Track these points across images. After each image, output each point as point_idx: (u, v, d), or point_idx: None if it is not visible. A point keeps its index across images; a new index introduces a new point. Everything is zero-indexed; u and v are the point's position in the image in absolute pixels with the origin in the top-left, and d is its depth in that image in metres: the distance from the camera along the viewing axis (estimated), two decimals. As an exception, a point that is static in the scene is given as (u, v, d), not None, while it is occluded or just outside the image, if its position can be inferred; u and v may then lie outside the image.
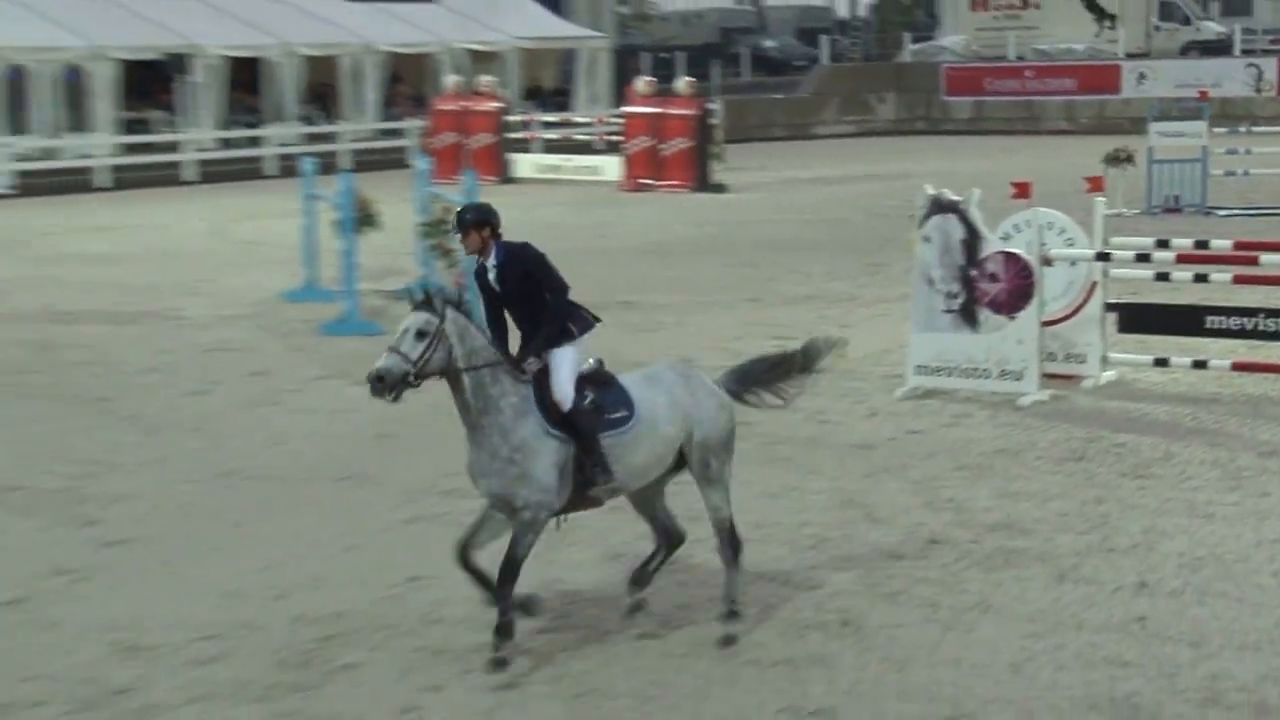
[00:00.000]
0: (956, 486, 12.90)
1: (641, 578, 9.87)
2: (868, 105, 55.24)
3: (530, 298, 9.08)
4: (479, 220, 9.16)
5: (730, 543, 9.60)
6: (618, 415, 9.09)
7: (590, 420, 8.98)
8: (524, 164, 39.14)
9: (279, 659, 9.51)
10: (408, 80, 46.62)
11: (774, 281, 23.42)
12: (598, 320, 9.34)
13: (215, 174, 38.85)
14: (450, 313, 8.93)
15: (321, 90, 44.64)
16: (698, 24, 75.31)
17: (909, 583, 10.65)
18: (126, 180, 37.09)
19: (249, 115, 42.89)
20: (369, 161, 38.97)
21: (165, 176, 37.95)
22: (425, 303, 8.97)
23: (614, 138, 39.01)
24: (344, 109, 44.59)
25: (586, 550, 11.15)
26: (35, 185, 35.52)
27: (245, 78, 43.01)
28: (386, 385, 8.81)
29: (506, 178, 37.85)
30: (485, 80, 40.78)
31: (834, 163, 42.56)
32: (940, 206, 15.98)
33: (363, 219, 20.51)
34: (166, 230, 29.82)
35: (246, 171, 39.64)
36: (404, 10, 48.26)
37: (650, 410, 9.20)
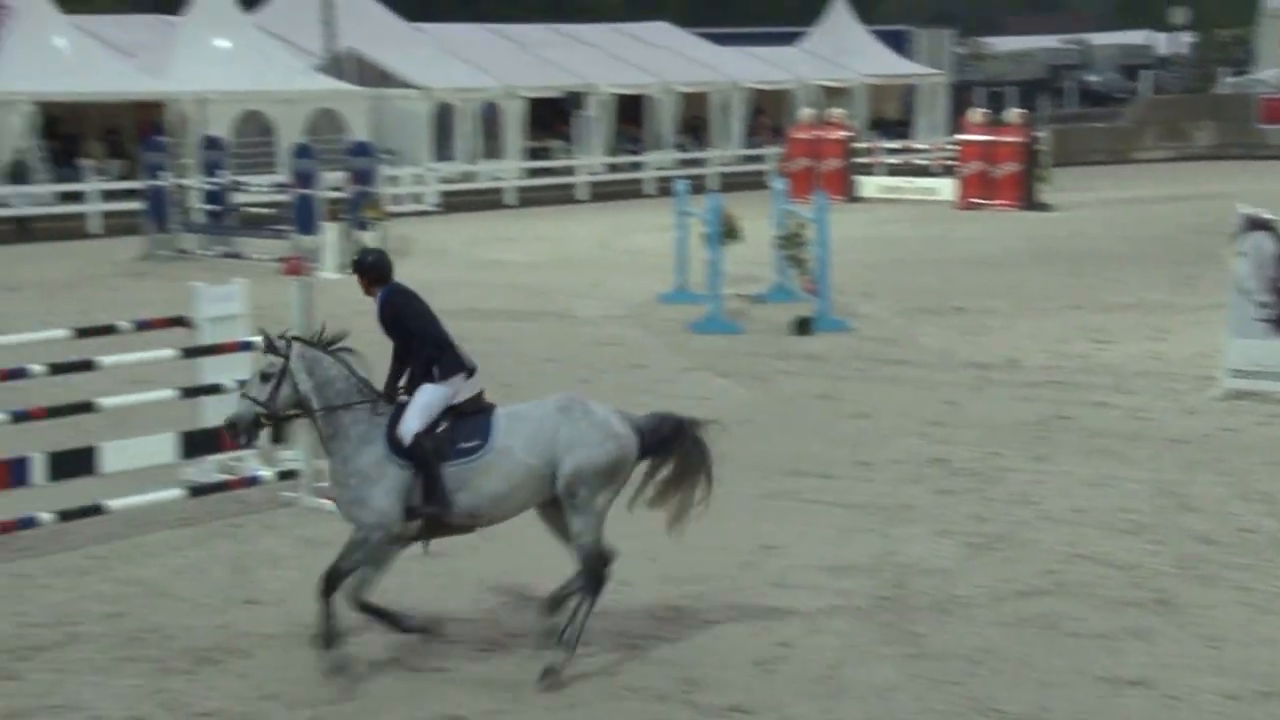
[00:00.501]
0: (1269, 480, 12.17)
1: (554, 603, 8.91)
2: (1185, 133, 52.95)
3: (403, 338, 8.68)
4: (361, 270, 8.76)
5: (589, 572, 8.60)
6: (470, 445, 8.44)
7: (428, 452, 8.35)
8: (869, 185, 38.76)
9: (651, 613, 9.51)
10: (768, 112, 46.70)
11: (1095, 290, 22.58)
12: (471, 369, 8.70)
13: (603, 194, 39.50)
14: (297, 350, 8.53)
15: (694, 122, 45.05)
16: (1027, 61, 73.40)
17: (1222, 567, 10.07)
18: (529, 199, 38.00)
19: (632, 144, 43.53)
20: (733, 183, 39.15)
21: (562, 196, 38.75)
22: (270, 346, 8.57)
23: (950, 162, 38.34)
24: (713, 138, 44.91)
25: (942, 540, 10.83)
26: (456, 203, 36.66)
27: (630, 111, 43.73)
28: (239, 430, 8.55)
29: (853, 197, 37.53)
30: (836, 112, 40.51)
31: (1152, 185, 40.91)
32: (1255, 224, 15.17)
33: (727, 232, 20.54)
34: (561, 242, 30.41)
35: (629, 192, 40.19)
36: (766, 53, 48.52)
37: (507, 441, 8.45)
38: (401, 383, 8.64)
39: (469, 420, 8.52)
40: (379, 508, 8.36)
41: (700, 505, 8.78)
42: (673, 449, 8.71)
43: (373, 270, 8.75)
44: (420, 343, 8.61)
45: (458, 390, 8.60)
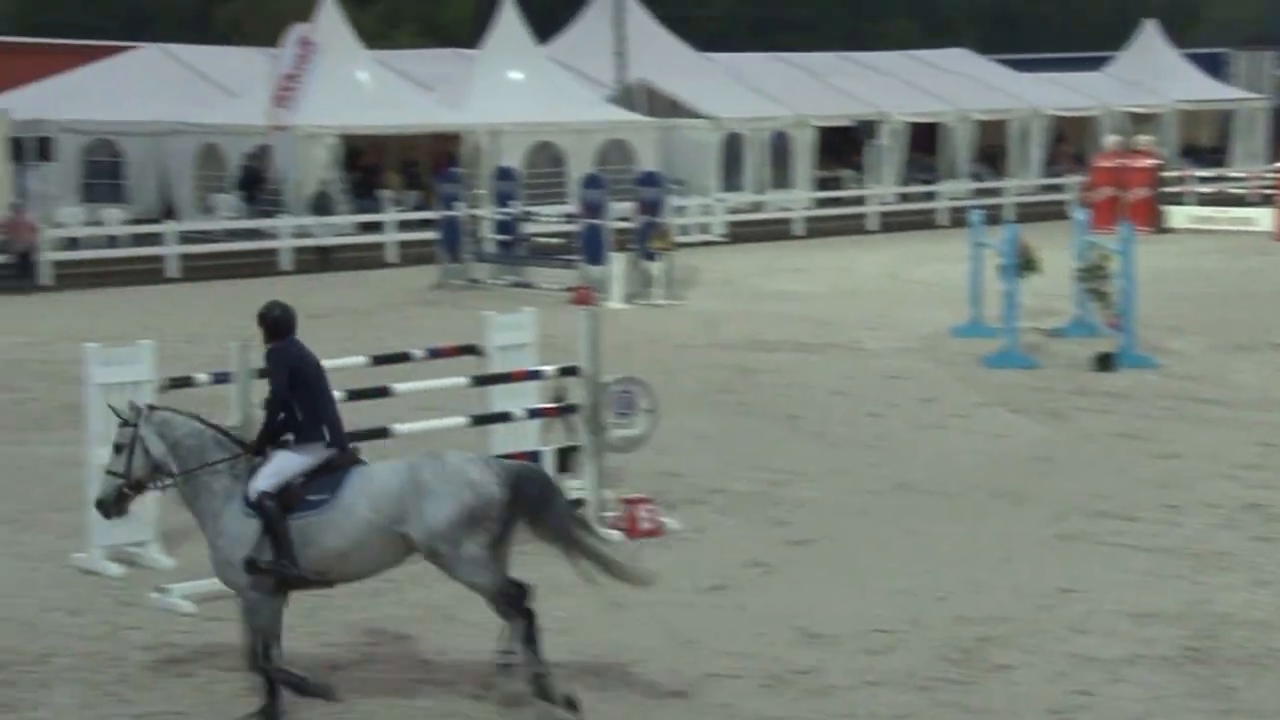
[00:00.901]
0: None
1: (504, 669, 8.77)
2: None
3: (276, 394, 8.70)
4: (260, 321, 8.98)
5: (504, 611, 8.49)
6: (318, 498, 8.43)
7: (270, 511, 8.35)
8: (1178, 215, 37.52)
9: (941, 654, 9.37)
10: (1070, 140, 45.63)
11: None
12: (335, 443, 8.67)
13: (894, 224, 39.16)
14: (146, 416, 8.58)
15: (991, 150, 44.34)
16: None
17: None
18: (817, 230, 37.94)
19: (925, 173, 43.08)
20: (1031, 213, 38.32)
21: (852, 226, 38.56)
22: (124, 421, 8.63)
23: (1269, 191, 36.86)
24: (1010, 166, 44.10)
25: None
26: (743, 234, 36.82)
27: (923, 140, 43.30)
28: (106, 508, 8.59)
29: (1161, 228, 36.37)
30: (1144, 139, 39.36)
31: None
32: None
33: (1024, 264, 20.14)
34: (850, 273, 30.25)
35: (921, 222, 39.75)
36: (1068, 78, 47.45)
37: (352, 498, 8.40)
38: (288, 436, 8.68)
39: (328, 476, 8.57)
40: (264, 559, 8.43)
41: (608, 557, 8.65)
42: (535, 506, 8.58)
43: (267, 323, 9.03)
44: (270, 406, 8.71)
45: (318, 458, 8.63)
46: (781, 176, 40.89)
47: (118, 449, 8.64)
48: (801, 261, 32.09)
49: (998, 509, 12.75)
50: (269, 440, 8.67)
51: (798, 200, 39.19)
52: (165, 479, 8.63)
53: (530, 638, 8.47)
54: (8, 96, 37.31)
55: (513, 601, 8.49)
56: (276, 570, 8.43)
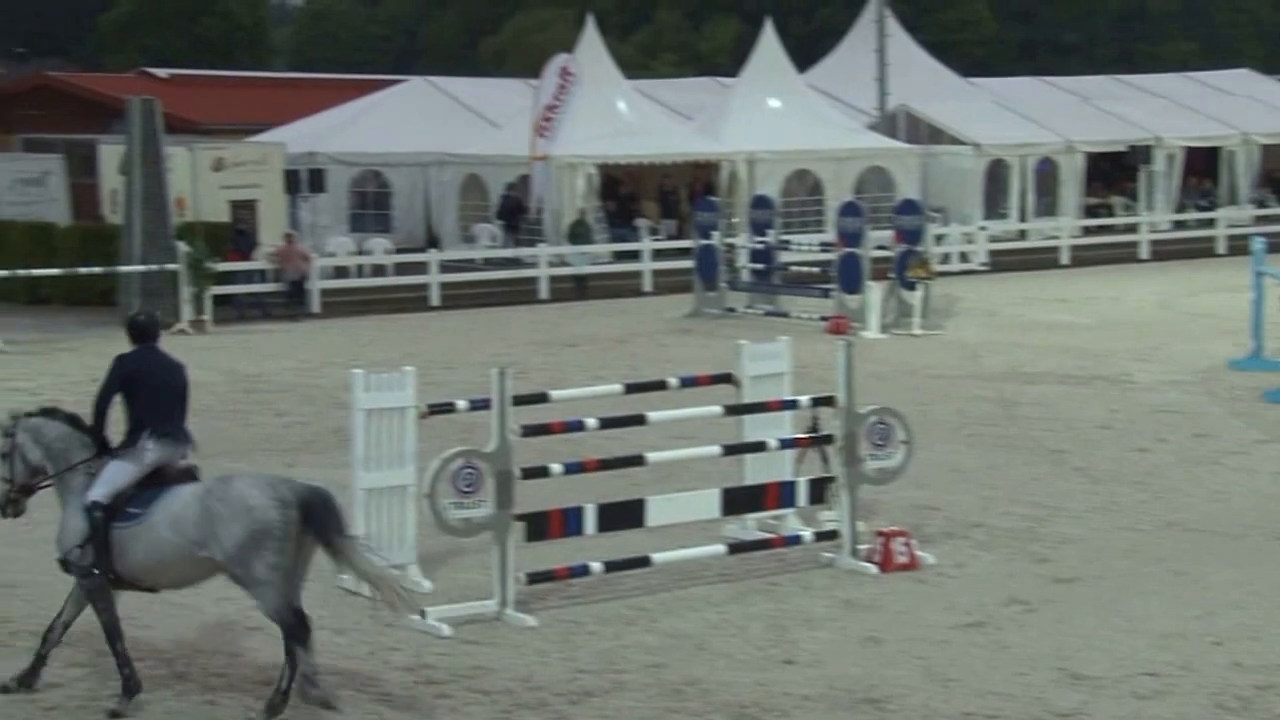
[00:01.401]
0: None
1: (305, 681, 8.94)
2: None
3: (98, 396, 9.60)
4: (125, 326, 9.82)
5: (286, 634, 8.84)
6: (134, 511, 9.07)
7: (94, 519, 9.08)
8: None
9: (1217, 701, 9.07)
10: (1362, 164, 43.79)
11: None
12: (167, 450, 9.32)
13: (1167, 253, 38.08)
14: (22, 425, 9.46)
15: (1275, 175, 42.80)
16: None
17: None
18: (1085, 258, 37.08)
19: (1203, 199, 41.80)
20: (1318, 241, 36.86)
21: (1121, 255, 37.61)
22: (5, 430, 9.51)
23: None
24: (1296, 192, 42.57)
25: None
26: (1005, 262, 36.22)
27: (1200, 164, 42.04)
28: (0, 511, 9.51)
29: None
30: None
31: None
32: None
33: (1309, 294, 19.40)
34: (1119, 303, 29.52)
35: (1198, 250, 38.56)
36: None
37: (159, 517, 9.00)
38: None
39: (152, 488, 9.20)
40: (75, 557, 9.21)
41: (383, 581, 8.93)
42: (318, 527, 8.89)
43: (130, 329, 9.85)
44: (95, 406, 9.57)
45: (144, 464, 9.29)
46: (1047, 204, 40.14)
47: (3, 456, 9.50)
48: (1067, 291, 31.43)
49: (1277, 552, 12.29)
50: (98, 437, 9.51)
51: (1064, 228, 38.39)
52: (44, 480, 9.52)
53: (298, 659, 8.87)
54: (283, 130, 38.92)
55: (298, 619, 8.87)
56: (86, 573, 9.22)
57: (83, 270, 27.73)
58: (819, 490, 12.11)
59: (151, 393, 9.57)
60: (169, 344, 23.50)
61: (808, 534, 12.21)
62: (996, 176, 39.64)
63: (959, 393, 19.89)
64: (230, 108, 46.61)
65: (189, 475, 9.43)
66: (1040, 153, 40.13)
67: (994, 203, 39.51)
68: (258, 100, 48.16)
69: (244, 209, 30.98)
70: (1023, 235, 39.00)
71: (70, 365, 22.69)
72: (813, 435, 12.42)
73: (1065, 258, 37.06)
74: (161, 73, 51.65)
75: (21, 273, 27.27)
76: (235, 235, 29.64)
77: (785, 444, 12.32)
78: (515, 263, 33.17)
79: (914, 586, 11.50)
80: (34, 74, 55.60)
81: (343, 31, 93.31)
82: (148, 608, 11.00)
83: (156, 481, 9.27)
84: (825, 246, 28.28)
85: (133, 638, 10.33)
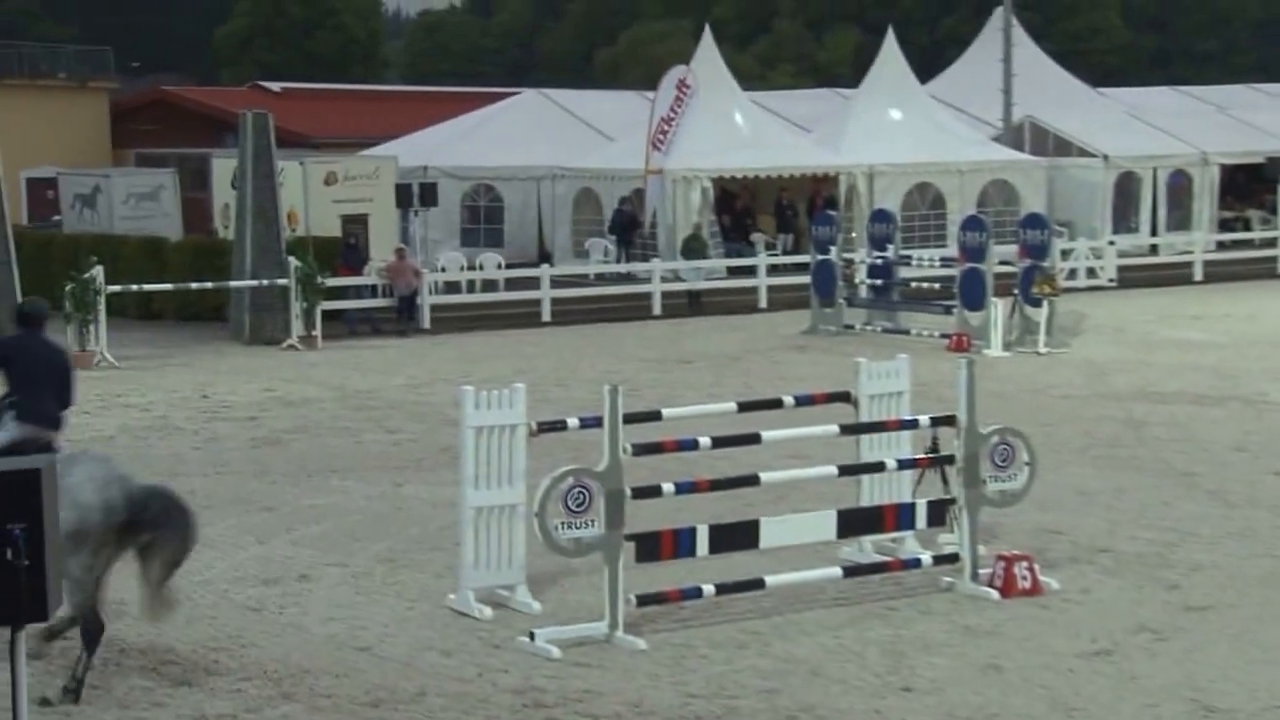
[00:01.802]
0: None
1: (49, 634, 9.60)
2: None
3: None
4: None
5: (83, 632, 9.28)
6: None
7: None
8: None
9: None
10: None
11: None
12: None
13: (1309, 268, 37.40)
14: None
15: None
16: None
17: None
18: (1219, 274, 36.47)
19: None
20: None
21: (1259, 271, 36.95)
22: None
23: None
24: None
25: None
26: (1135, 278, 35.73)
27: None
28: None
29: None
30: None
31: None
32: None
33: None
34: (1256, 320, 28.99)
35: (1341, 267, 37.85)
36: None
37: None
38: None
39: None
40: None
41: (159, 588, 9.30)
42: (151, 527, 9.22)
43: (15, 314, 10.97)
44: None
45: (10, 437, 10.11)
46: (1179, 218, 39.56)
47: None
48: (1200, 308, 30.94)
49: None
50: None
51: (1197, 243, 37.79)
52: None
53: (88, 660, 9.42)
54: (395, 144, 39.39)
55: (89, 632, 9.32)
56: None
57: (194, 285, 28.21)
58: (938, 512, 12.00)
59: (23, 374, 10.32)
60: (279, 359, 23.73)
61: (926, 557, 12.11)
62: (1126, 189, 39.14)
63: (1085, 413, 19.64)
64: (343, 121, 47.31)
65: (47, 450, 10.02)
66: (1173, 165, 39.58)
67: (1123, 217, 39.03)
68: (370, 114, 48.85)
69: (355, 223, 31.37)
70: (1153, 250, 38.47)
71: (181, 380, 23.10)
72: (932, 456, 12.32)
73: (1198, 273, 36.49)
74: (274, 87, 52.54)
75: (134, 287, 27.79)
76: (346, 250, 30.01)
77: (904, 465, 12.24)
78: (628, 278, 33.28)
79: (1037, 613, 11.36)
80: (148, 89, 56.78)
81: (456, 44, 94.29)
82: (254, 626, 11.16)
83: (14, 451, 9.89)
84: (947, 262, 28.08)
85: (239, 656, 10.49)
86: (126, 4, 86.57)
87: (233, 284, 27.82)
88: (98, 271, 25.56)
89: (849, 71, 65.22)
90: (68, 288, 25.32)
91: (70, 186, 39.81)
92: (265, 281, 27.34)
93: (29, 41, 59.01)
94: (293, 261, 27.28)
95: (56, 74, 52.71)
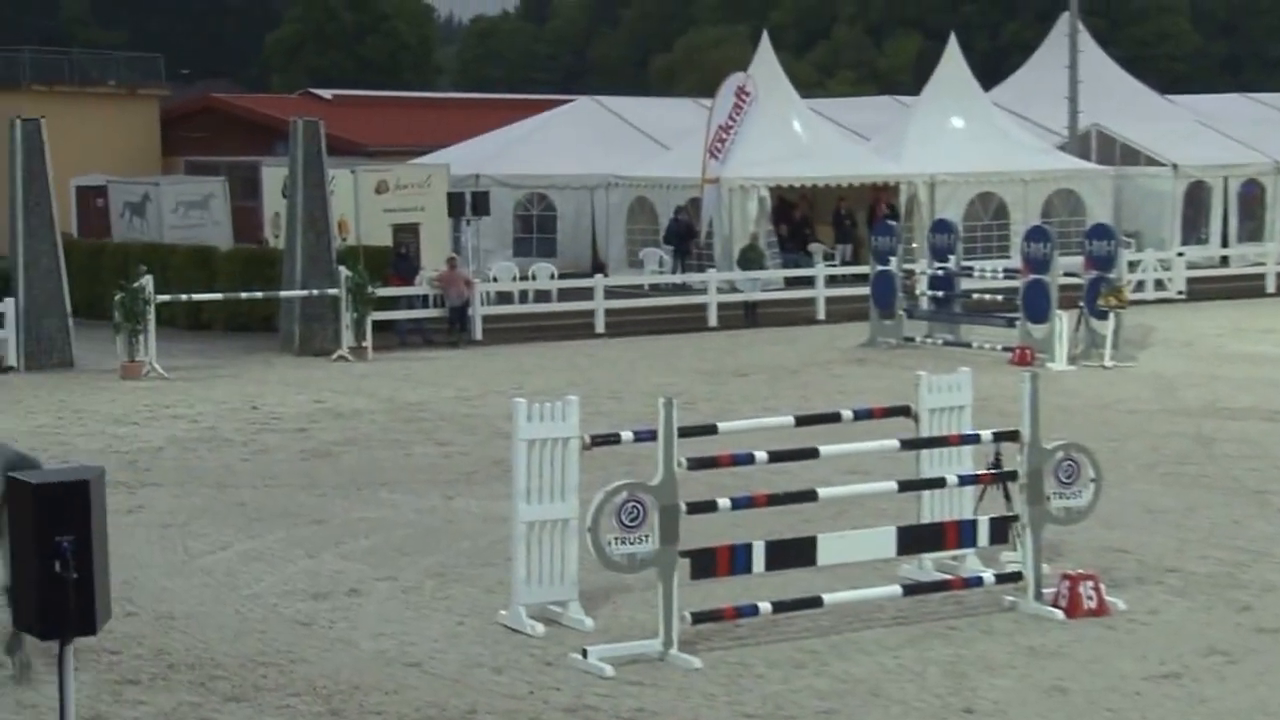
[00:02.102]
0: None
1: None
2: None
3: None
4: None
5: None
6: None
7: None
8: None
9: None
10: None
11: None
12: None
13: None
14: None
15: None
16: None
17: None
18: (1293, 286, 36.19)
19: None
20: None
21: (1334, 283, 36.63)
22: None
23: None
24: None
25: None
26: (1205, 290, 35.44)
27: None
28: None
29: None
30: None
31: None
32: None
33: None
34: (1331, 334, 28.74)
35: None
36: None
37: None
38: None
39: None
40: None
41: None
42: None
43: None
44: None
45: None
46: (1251, 229, 39.24)
47: None
48: (1273, 321, 30.67)
49: None
50: None
51: (1271, 254, 37.47)
52: None
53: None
54: (447, 152, 39.57)
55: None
56: None
57: (243, 295, 28.40)
58: (1001, 530, 11.94)
59: None
60: (329, 370, 23.98)
61: (989, 576, 12.05)
62: (1196, 199, 38.86)
63: (1153, 428, 19.50)
64: (394, 129, 47.55)
65: None
66: (1245, 174, 39.26)
67: (1193, 227, 38.74)
68: (422, 121, 49.08)
69: (406, 232, 31.52)
70: (1224, 262, 38.16)
71: (230, 392, 23.26)
72: (995, 471, 12.26)
73: (1270, 286, 36.18)
74: (326, 94, 52.87)
75: (184, 297, 27.99)
76: (397, 259, 30.14)
77: (965, 480, 12.18)
78: (683, 289, 33.28)
79: (1103, 633, 11.28)
80: (198, 96, 57.26)
81: (509, 50, 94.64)
82: (303, 641, 11.22)
83: None
84: (1010, 273, 27.94)
85: (288, 671, 10.55)
86: (176, 10, 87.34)
87: (283, 294, 27.99)
88: (147, 281, 25.75)
89: (909, 78, 65.07)
90: (117, 297, 25.52)
91: (120, 195, 40.20)
92: (315, 291, 27.50)
93: (79, 48, 59.62)
94: (343, 271, 27.43)
95: (106, 81, 53.19)
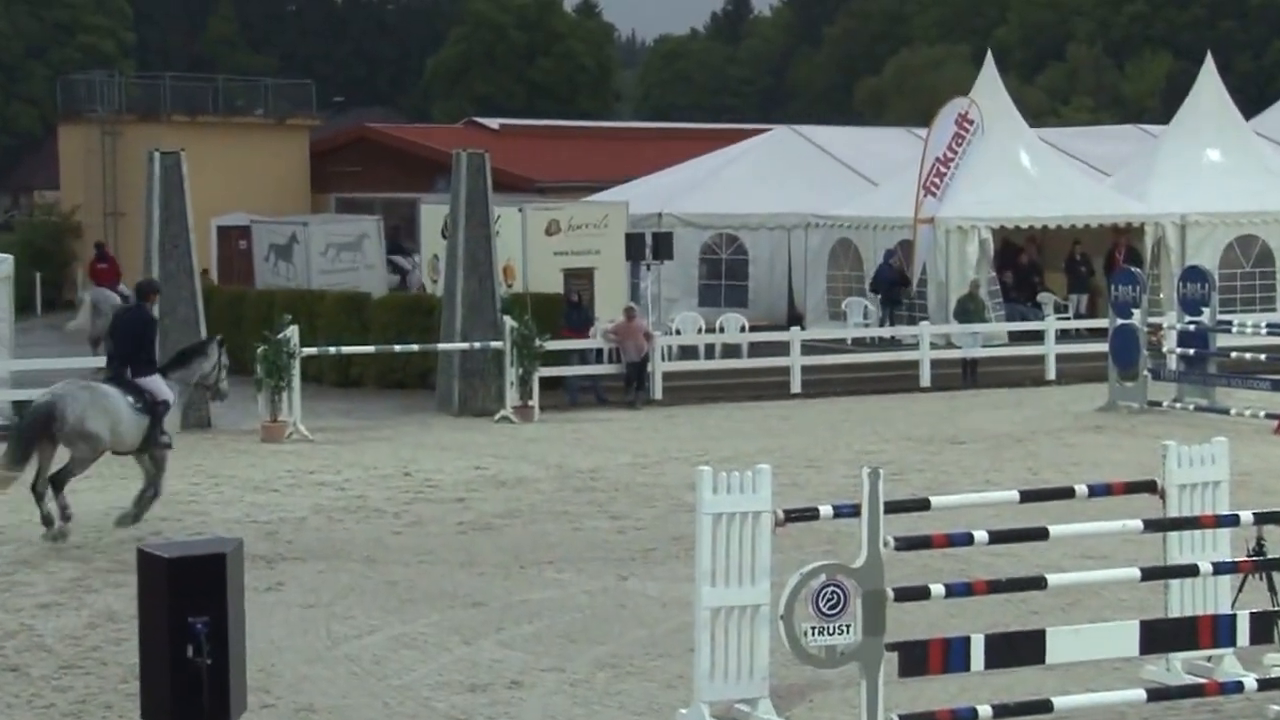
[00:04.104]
0: None
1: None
2: None
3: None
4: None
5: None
6: None
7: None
8: None
9: None
10: None
11: None
12: None
13: None
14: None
15: None
16: None
17: None
18: None
19: None
20: None
21: None
22: None
23: None
24: None
25: None
26: None
27: None
28: None
29: None
30: None
31: None
32: None
33: None
34: None
35: None
36: None
37: None
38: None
39: None
40: None
41: None
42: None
43: (141, 287, 19.57)
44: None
45: None
46: None
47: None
48: None
49: None
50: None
51: None
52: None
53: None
54: (626, 188, 39.86)
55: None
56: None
57: (397, 348, 28.81)
58: (1265, 626, 11.61)
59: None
60: (491, 432, 24.23)
61: (1250, 680, 11.73)
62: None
63: None
64: (568, 162, 48.09)
65: None
66: None
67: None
68: (599, 153, 49.57)
69: (579, 278, 31.74)
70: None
71: (382, 456, 23.58)
72: (1258, 559, 11.96)
73: None
74: (492, 123, 53.66)
75: (332, 350, 28.46)
76: (569, 309, 30.39)
77: (1222, 569, 11.88)
78: (892, 343, 33.09)
79: (1385, 752, 10.92)
80: (352, 126, 58.48)
81: (698, 73, 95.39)
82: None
83: None
84: (1275, 329, 27.35)
85: None
86: (331, 32, 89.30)
87: (441, 346, 28.34)
88: (292, 332, 26.20)
89: (1157, 104, 64.24)
90: (259, 349, 25.98)
91: (265, 236, 41.10)
92: (477, 344, 27.79)
93: (225, 74, 61.22)
94: (508, 321, 27.69)
95: (253, 110, 54.59)
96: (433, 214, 34.13)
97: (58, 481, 17.59)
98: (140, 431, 17.90)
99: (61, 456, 17.75)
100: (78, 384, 18.21)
